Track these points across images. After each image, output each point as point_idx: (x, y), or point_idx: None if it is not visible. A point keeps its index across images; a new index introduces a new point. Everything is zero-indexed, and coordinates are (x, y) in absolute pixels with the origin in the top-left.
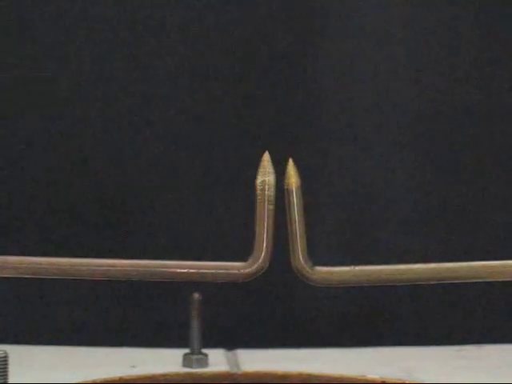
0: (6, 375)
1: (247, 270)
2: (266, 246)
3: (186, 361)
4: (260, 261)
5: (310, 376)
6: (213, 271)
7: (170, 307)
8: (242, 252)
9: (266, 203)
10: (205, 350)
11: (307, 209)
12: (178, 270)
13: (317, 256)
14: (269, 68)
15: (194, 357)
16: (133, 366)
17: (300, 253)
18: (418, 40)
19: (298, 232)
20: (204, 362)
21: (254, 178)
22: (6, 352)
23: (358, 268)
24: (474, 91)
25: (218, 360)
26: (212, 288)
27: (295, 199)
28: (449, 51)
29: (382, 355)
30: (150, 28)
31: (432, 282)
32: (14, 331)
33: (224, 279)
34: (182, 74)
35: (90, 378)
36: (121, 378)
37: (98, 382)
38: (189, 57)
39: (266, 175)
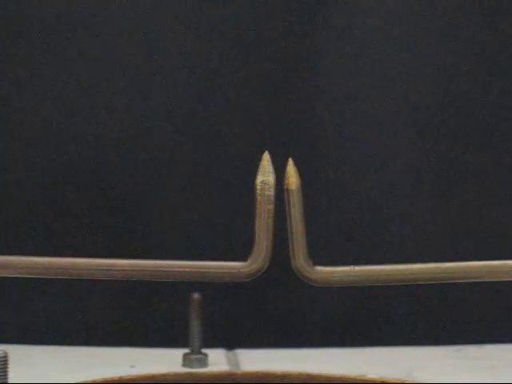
0: (6, 375)
1: (247, 270)
2: (266, 246)
3: (186, 361)
4: (260, 261)
5: (309, 376)
6: (213, 271)
7: (169, 307)
8: (242, 252)
9: (266, 203)
10: (205, 350)
11: (307, 209)
12: (178, 270)
13: (317, 256)
14: (269, 68)
15: (194, 357)
16: (132, 366)
17: (300, 253)
18: (421, 39)
19: (298, 232)
20: (204, 361)
21: (254, 178)
22: (5, 352)
23: (357, 268)
24: (476, 91)
25: (218, 360)
26: (212, 288)
27: (295, 199)
28: (452, 51)
29: (382, 355)
30: (148, 27)
31: (432, 282)
32: (14, 331)
33: (224, 279)
34: (182, 74)
35: (90, 378)
36: (121, 378)
37: (98, 381)
38: (189, 56)
39: (265, 175)
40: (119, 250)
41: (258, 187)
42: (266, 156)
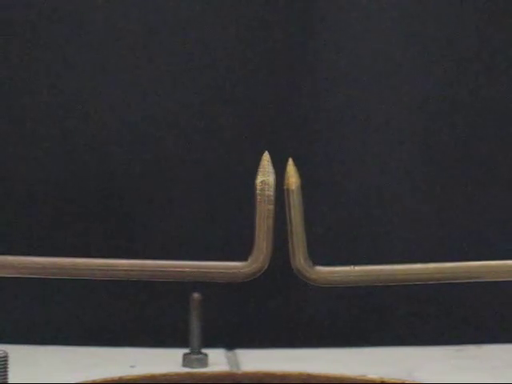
0: (6, 375)
1: (247, 270)
2: (266, 246)
3: (186, 361)
4: (260, 261)
5: (309, 376)
6: (213, 271)
7: (170, 307)
8: (242, 252)
9: (266, 203)
10: (205, 350)
11: (307, 209)
12: (178, 270)
13: (317, 256)
14: (269, 68)
15: (194, 357)
16: (132, 366)
17: (300, 253)
18: (421, 39)
19: (298, 232)
20: (204, 361)
21: (254, 178)
22: (5, 352)
23: (357, 268)
24: (477, 89)
25: (218, 360)
26: (212, 288)
27: (295, 199)
28: (452, 49)
29: (382, 355)
30: (148, 27)
31: (432, 282)
32: (14, 331)
33: (224, 279)
34: (182, 74)
35: (90, 378)
36: (121, 378)
37: (97, 381)
38: (189, 55)
39: (265, 175)
40: (119, 250)
41: (258, 187)
42: (266, 156)
